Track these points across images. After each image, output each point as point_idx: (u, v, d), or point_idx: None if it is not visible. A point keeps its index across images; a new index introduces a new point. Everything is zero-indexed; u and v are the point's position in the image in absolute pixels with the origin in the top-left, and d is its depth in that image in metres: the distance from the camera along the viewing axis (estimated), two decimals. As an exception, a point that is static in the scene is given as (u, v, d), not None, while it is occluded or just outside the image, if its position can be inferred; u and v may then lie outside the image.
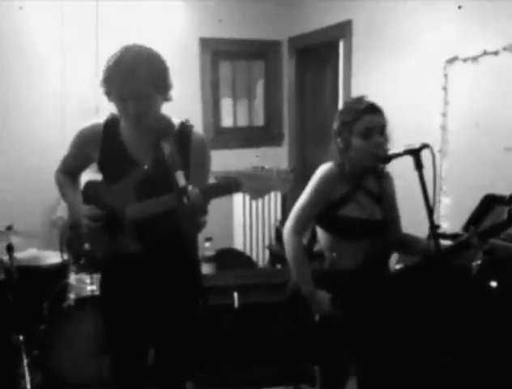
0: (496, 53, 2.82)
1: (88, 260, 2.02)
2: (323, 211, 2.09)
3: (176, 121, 2.00)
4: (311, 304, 2.05)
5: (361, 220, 2.08)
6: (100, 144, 1.96)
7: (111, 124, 1.98)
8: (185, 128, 1.97)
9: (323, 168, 2.11)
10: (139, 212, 1.84)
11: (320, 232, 2.17)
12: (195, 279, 2.10)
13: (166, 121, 1.96)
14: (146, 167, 1.91)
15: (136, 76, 1.76)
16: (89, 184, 2.03)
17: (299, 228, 2.10)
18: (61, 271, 3.26)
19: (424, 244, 2.18)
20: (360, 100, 2.08)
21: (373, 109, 2.04)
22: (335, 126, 2.10)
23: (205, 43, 4.71)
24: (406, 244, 2.25)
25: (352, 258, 2.08)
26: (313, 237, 2.21)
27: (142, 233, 1.87)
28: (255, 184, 1.78)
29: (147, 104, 1.83)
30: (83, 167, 2.11)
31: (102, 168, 2.00)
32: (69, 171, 2.11)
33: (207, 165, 2.00)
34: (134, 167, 1.92)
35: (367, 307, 2.05)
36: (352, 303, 2.04)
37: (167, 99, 1.94)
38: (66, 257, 2.12)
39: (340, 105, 4.27)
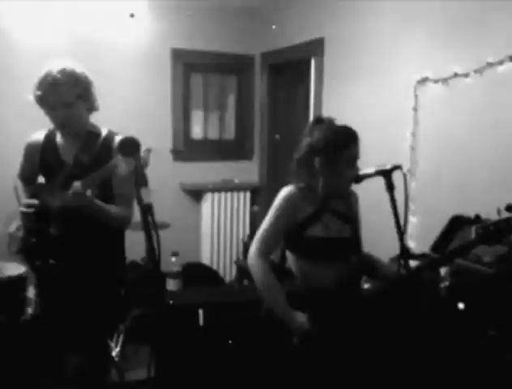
0: (466, 75, 2.85)
1: (26, 245, 2.31)
2: (289, 234, 2.06)
3: (104, 129, 2.34)
4: (289, 326, 1.99)
5: (328, 239, 2.05)
6: (40, 152, 2.34)
7: (51, 133, 2.36)
8: (110, 135, 2.30)
9: (285, 190, 2.08)
10: (57, 201, 2.17)
11: (289, 256, 2.13)
12: (113, 262, 2.39)
13: (95, 129, 2.32)
14: (68, 167, 2.26)
15: (58, 88, 2.13)
16: (36, 185, 2.40)
17: (264, 251, 2.05)
18: (19, 283, 3.13)
19: (382, 267, 2.20)
20: (348, 128, 2.04)
21: (357, 138, 2.03)
22: (315, 143, 2.04)
23: (177, 54, 4.67)
24: (368, 266, 2.23)
25: (322, 279, 2.05)
26: (283, 256, 2.17)
27: (61, 219, 2.20)
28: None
29: (70, 112, 2.18)
30: (34, 174, 2.42)
31: (41, 170, 2.36)
32: (24, 178, 2.45)
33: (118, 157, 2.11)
34: (62, 167, 2.28)
35: (342, 327, 2.01)
36: (327, 323, 2.00)
37: (92, 108, 2.29)
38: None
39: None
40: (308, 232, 2.04)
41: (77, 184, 2.05)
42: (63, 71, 2.14)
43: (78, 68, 2.22)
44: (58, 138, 2.35)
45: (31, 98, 2.18)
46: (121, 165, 1.89)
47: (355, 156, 2.03)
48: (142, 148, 1.73)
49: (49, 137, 2.36)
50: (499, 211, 2.36)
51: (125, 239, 2.46)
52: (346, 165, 2.01)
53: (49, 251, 2.29)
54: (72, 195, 2.05)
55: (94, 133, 2.31)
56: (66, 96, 2.15)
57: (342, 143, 2.00)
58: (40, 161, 2.35)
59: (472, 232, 1.94)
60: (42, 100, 2.17)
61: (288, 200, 2.04)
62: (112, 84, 4.26)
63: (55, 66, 2.16)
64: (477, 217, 2.53)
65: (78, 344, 2.34)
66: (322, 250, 2.05)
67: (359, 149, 2.04)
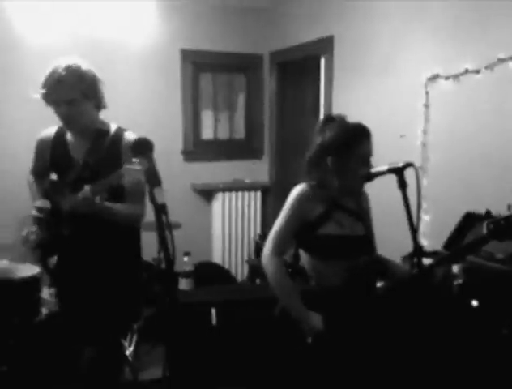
0: (477, 71, 2.83)
1: (44, 244, 2.33)
2: (302, 233, 2.05)
3: (113, 125, 2.33)
4: (303, 326, 1.98)
5: (342, 237, 2.05)
6: (50, 148, 2.36)
7: (61, 130, 2.35)
8: (119, 131, 2.30)
9: (297, 189, 2.07)
10: (68, 203, 2.18)
11: (302, 255, 2.13)
12: (129, 261, 2.40)
13: (103, 126, 2.31)
14: (78, 167, 2.27)
15: (63, 84, 2.13)
16: (49, 182, 2.41)
17: (278, 251, 2.04)
18: (33, 284, 3.16)
19: (394, 267, 2.19)
20: (360, 124, 2.04)
21: (369, 134, 2.03)
22: (327, 142, 2.03)
23: (186, 55, 4.68)
24: (383, 266, 2.22)
25: (335, 276, 2.04)
26: (297, 254, 2.17)
27: (72, 221, 2.22)
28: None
29: (75, 110, 2.18)
30: (45, 169, 2.44)
31: (52, 168, 2.39)
32: (36, 173, 2.49)
33: (126, 165, 2.09)
34: (73, 166, 2.28)
35: (356, 326, 2.01)
36: (342, 322, 1.99)
37: (99, 106, 2.29)
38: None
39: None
40: (321, 230, 2.03)
41: (86, 189, 2.06)
42: (68, 68, 2.15)
43: (85, 65, 2.22)
44: (68, 134, 2.35)
45: (37, 96, 2.19)
46: (128, 175, 1.88)
47: (368, 153, 2.02)
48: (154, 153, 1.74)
49: (60, 133, 2.36)
50: (510, 207, 2.35)
51: (140, 238, 2.47)
52: (359, 162, 2.00)
53: (61, 250, 2.34)
54: (81, 200, 2.07)
55: (103, 130, 2.30)
56: (70, 93, 2.15)
57: (354, 140, 2.00)
58: (51, 158, 2.37)
59: (483, 228, 1.92)
60: (47, 97, 2.18)
61: (301, 199, 2.04)
62: (121, 86, 4.28)
63: (61, 63, 2.17)
64: (488, 213, 2.51)
65: (93, 342, 2.36)
66: (336, 248, 2.05)
67: (372, 145, 2.03)
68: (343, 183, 2.04)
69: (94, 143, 2.28)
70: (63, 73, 2.13)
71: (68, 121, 2.23)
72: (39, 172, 2.48)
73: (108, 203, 2.17)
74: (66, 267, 2.38)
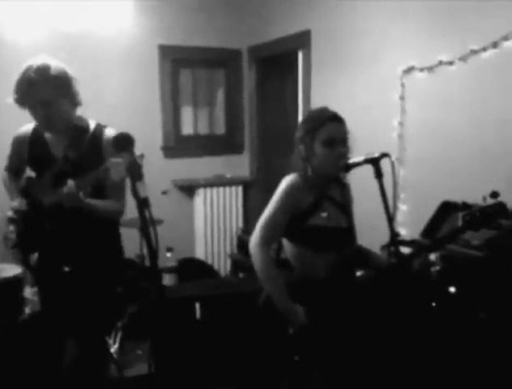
0: (451, 63, 2.89)
1: (22, 242, 2.33)
2: (291, 223, 2.08)
3: (92, 122, 2.33)
4: (286, 317, 2.01)
5: (330, 229, 2.08)
6: (28, 145, 2.35)
7: (39, 127, 2.33)
8: (98, 128, 2.31)
9: (287, 180, 2.09)
10: (50, 199, 2.18)
11: (286, 244, 2.15)
12: (110, 256, 2.41)
13: (81, 122, 2.31)
14: (58, 163, 2.26)
15: (35, 87, 2.11)
16: (27, 179, 2.39)
17: (266, 241, 2.06)
18: (15, 284, 3.15)
19: (374, 257, 2.25)
20: (323, 109, 2.09)
21: (337, 119, 2.06)
22: (298, 134, 2.10)
23: (164, 50, 4.67)
24: (363, 256, 2.26)
25: (320, 268, 2.08)
26: (280, 246, 2.20)
27: (55, 216, 2.22)
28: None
29: (50, 110, 2.17)
30: (22, 166, 2.44)
31: (31, 165, 2.38)
32: (12, 170, 2.48)
33: (111, 159, 2.08)
34: (52, 163, 2.27)
35: (338, 317, 2.05)
36: (324, 313, 2.03)
37: (75, 103, 2.27)
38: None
39: (301, 114, 4.31)
40: (310, 220, 2.07)
41: (70, 184, 2.06)
42: (38, 70, 2.12)
43: (55, 64, 2.19)
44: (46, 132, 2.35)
45: (11, 101, 2.17)
46: (114, 168, 1.88)
47: (333, 136, 2.03)
48: (136, 153, 1.75)
49: (37, 130, 2.35)
50: (485, 198, 2.41)
51: (120, 235, 2.48)
52: (325, 146, 2.02)
53: (43, 246, 2.34)
54: (65, 195, 2.07)
55: (82, 127, 2.30)
56: (44, 95, 2.13)
57: (314, 124, 2.04)
58: (29, 155, 2.36)
59: (460, 219, 1.98)
60: (21, 101, 2.17)
61: (292, 189, 2.06)
62: (100, 82, 4.27)
63: (30, 65, 2.14)
64: (464, 204, 2.57)
65: (75, 340, 2.37)
66: (322, 240, 2.07)
67: (341, 130, 2.06)
68: (316, 170, 2.06)
69: (73, 138, 2.28)
70: (33, 75, 2.11)
71: (46, 122, 2.22)
72: (15, 169, 2.47)
73: (92, 200, 2.18)
74: (48, 263, 2.38)
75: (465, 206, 2.09)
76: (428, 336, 2.39)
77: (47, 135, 2.34)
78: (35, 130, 2.35)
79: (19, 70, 2.15)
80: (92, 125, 2.33)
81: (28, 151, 2.35)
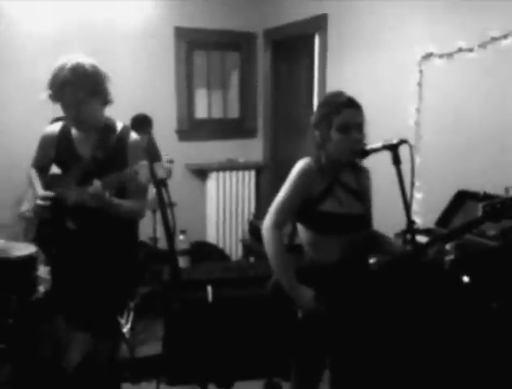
0: (471, 50, 2.85)
1: (41, 235, 2.36)
2: (303, 207, 2.08)
3: (119, 123, 2.35)
4: (294, 300, 2.03)
5: (341, 215, 2.07)
6: (55, 143, 2.36)
7: (67, 126, 2.35)
8: (125, 129, 2.31)
9: (301, 163, 2.09)
10: (74, 197, 2.20)
11: (300, 228, 2.16)
12: (126, 255, 2.42)
13: (109, 122, 2.33)
14: (85, 162, 2.28)
15: (69, 86, 2.13)
16: (50, 176, 2.39)
17: (278, 224, 2.06)
18: (30, 263, 3.18)
19: (390, 243, 2.23)
20: (339, 94, 2.07)
21: (353, 104, 2.04)
22: (314, 119, 2.09)
23: (180, 33, 4.65)
24: (376, 242, 2.25)
25: (332, 253, 2.08)
26: (294, 230, 2.20)
27: (78, 214, 2.23)
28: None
29: (82, 108, 2.18)
30: (48, 164, 2.41)
31: (57, 163, 2.37)
32: (38, 167, 2.46)
33: (139, 162, 2.11)
34: (78, 161, 2.30)
35: (348, 302, 2.05)
36: (334, 298, 2.03)
37: (106, 102, 2.29)
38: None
39: (316, 99, 4.28)
40: (321, 206, 2.06)
41: (97, 184, 2.06)
42: (73, 69, 2.14)
43: (89, 64, 2.20)
44: (74, 131, 2.36)
45: (44, 97, 2.18)
46: (143, 171, 1.91)
47: (349, 121, 2.01)
48: (165, 158, 1.75)
49: (65, 129, 2.37)
50: (507, 190, 2.37)
51: (138, 229, 2.49)
52: (341, 131, 2.00)
53: (65, 243, 2.34)
54: (91, 195, 2.08)
55: (109, 127, 2.32)
56: (76, 95, 2.15)
57: (330, 110, 2.02)
58: (56, 154, 2.37)
59: (479, 210, 1.96)
60: (53, 98, 2.18)
61: (304, 173, 2.06)
62: (115, 65, 4.21)
63: (65, 63, 2.15)
64: (485, 194, 2.53)
65: (88, 321, 2.38)
66: (334, 226, 2.07)
67: (357, 116, 2.04)
68: (330, 155, 2.05)
69: (100, 138, 2.29)
70: (68, 75, 2.12)
71: (75, 120, 2.24)
72: (41, 166, 2.47)
73: (115, 198, 2.18)
74: (64, 256, 2.39)
75: (486, 196, 2.05)
76: (439, 325, 2.39)
77: (74, 134, 2.35)
78: (63, 129, 2.37)
79: (54, 66, 2.16)
80: (119, 126, 2.34)
81: (56, 149, 2.36)
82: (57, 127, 2.39)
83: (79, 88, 2.14)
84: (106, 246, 2.33)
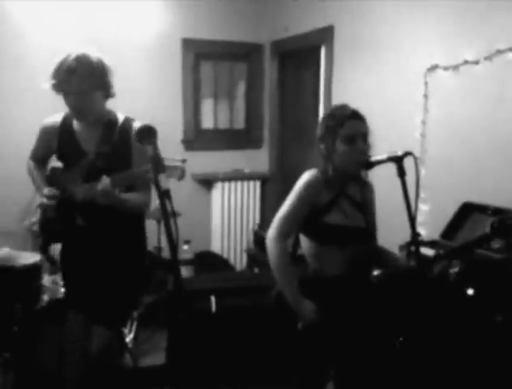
0: (476, 62, 2.85)
1: (48, 231, 2.36)
2: (308, 219, 2.08)
3: (120, 116, 2.32)
4: (296, 312, 2.02)
5: (346, 228, 2.07)
6: (57, 136, 2.34)
7: (68, 118, 2.33)
8: (127, 122, 2.29)
9: (307, 175, 2.09)
10: (83, 194, 2.19)
11: (303, 239, 2.16)
12: (136, 248, 2.44)
13: (111, 116, 2.31)
14: (90, 157, 2.26)
15: (74, 75, 2.11)
16: (52, 169, 2.42)
17: (283, 236, 2.06)
18: (34, 271, 3.18)
19: (394, 259, 2.23)
20: (344, 106, 2.08)
21: (357, 116, 2.05)
22: (319, 132, 2.10)
23: (187, 44, 4.68)
24: (383, 257, 2.25)
25: (334, 265, 2.08)
26: (297, 242, 2.20)
27: (87, 211, 2.23)
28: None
29: (86, 100, 2.17)
30: (48, 156, 2.45)
31: (59, 157, 2.38)
32: (37, 159, 2.47)
33: (144, 157, 2.07)
34: (82, 156, 2.27)
35: (349, 315, 2.04)
36: (335, 311, 2.03)
37: (109, 95, 2.27)
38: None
39: (322, 110, 4.29)
40: (326, 218, 2.06)
41: (106, 180, 2.05)
42: (79, 59, 2.13)
43: (95, 55, 2.20)
44: (75, 123, 2.33)
45: (47, 86, 2.16)
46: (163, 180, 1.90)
47: (354, 133, 2.02)
48: (178, 158, 1.76)
49: (67, 121, 2.34)
50: None
51: (145, 227, 2.50)
52: (346, 143, 2.01)
53: (74, 240, 2.36)
54: (101, 192, 2.06)
55: (112, 120, 2.30)
56: (81, 85, 2.13)
57: (335, 122, 2.03)
58: (59, 147, 2.35)
59: (487, 224, 1.94)
60: (57, 88, 2.16)
61: (311, 184, 2.06)
62: (122, 75, 4.24)
63: (71, 53, 2.14)
64: (494, 209, 2.50)
65: (105, 321, 2.39)
66: (338, 237, 2.07)
67: (362, 127, 2.05)
68: (337, 167, 2.06)
69: (104, 133, 2.28)
70: (74, 64, 2.11)
71: (79, 111, 2.22)
72: (40, 158, 2.47)
73: (124, 195, 2.18)
74: (74, 252, 2.40)
75: (495, 211, 2.03)
76: (443, 338, 2.37)
77: (76, 127, 2.33)
78: (64, 121, 2.34)
79: (59, 57, 2.15)
80: (121, 118, 2.32)
81: (58, 142, 2.34)
82: (58, 119, 2.35)
83: (85, 78, 2.12)
84: (116, 241, 2.33)
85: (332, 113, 2.10)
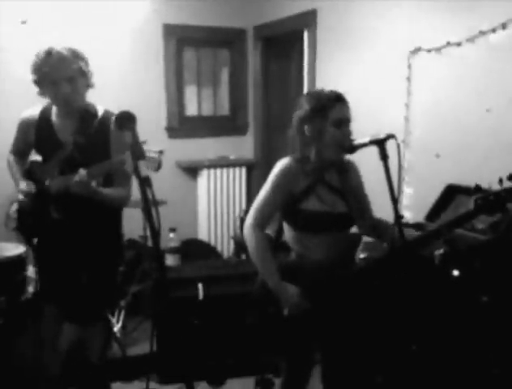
0: (459, 44, 2.85)
1: (24, 225, 2.37)
2: (285, 206, 2.07)
3: (100, 108, 2.33)
4: (279, 298, 2.02)
5: (322, 213, 2.07)
6: (35, 128, 2.34)
7: (46, 111, 2.34)
8: (107, 114, 2.27)
9: (282, 163, 2.09)
10: (58, 186, 2.19)
11: (285, 226, 2.16)
12: (112, 240, 2.45)
13: (90, 107, 2.31)
14: (67, 149, 2.25)
15: (65, 62, 2.15)
16: (31, 162, 2.40)
17: (260, 223, 2.07)
18: (18, 263, 3.16)
19: (392, 231, 2.19)
20: (327, 90, 2.06)
21: (344, 99, 2.04)
22: (303, 113, 2.06)
23: (169, 30, 4.62)
24: (379, 230, 2.25)
25: (317, 251, 2.08)
26: (281, 228, 2.19)
27: (62, 203, 2.23)
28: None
29: (75, 87, 2.20)
30: (28, 149, 2.44)
31: (37, 149, 2.37)
32: (17, 153, 2.48)
33: (122, 149, 2.06)
34: (60, 148, 2.27)
35: (334, 299, 2.05)
36: (319, 295, 2.03)
37: (89, 85, 2.29)
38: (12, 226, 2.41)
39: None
40: (303, 205, 2.05)
41: (82, 172, 2.05)
42: (65, 47, 2.18)
43: (73, 48, 2.23)
44: (54, 115, 2.33)
45: (30, 77, 2.19)
46: (129, 161, 1.85)
47: (342, 117, 2.02)
48: (155, 149, 1.74)
49: (45, 114, 2.34)
50: (501, 181, 2.36)
51: (122, 220, 2.50)
52: (334, 126, 2.01)
53: (49, 233, 2.33)
54: (76, 183, 2.06)
55: (90, 112, 2.30)
56: (70, 70, 2.16)
57: (326, 104, 2.01)
58: (36, 139, 2.35)
59: (471, 203, 1.94)
60: (49, 76, 2.16)
61: (285, 172, 2.06)
62: (103, 62, 4.21)
63: (51, 48, 2.17)
64: (476, 187, 2.51)
65: (74, 322, 2.40)
66: (316, 224, 2.07)
67: (347, 111, 2.04)
68: (321, 151, 2.04)
69: (81, 124, 2.27)
70: (63, 51, 2.16)
71: (67, 99, 2.22)
72: (21, 151, 2.46)
73: (103, 189, 2.18)
74: (49, 246, 2.39)
75: (477, 189, 2.02)
76: (429, 319, 2.39)
77: (54, 119, 2.33)
78: (42, 114, 2.35)
79: (42, 50, 2.18)
80: (100, 110, 2.32)
81: (35, 134, 2.34)
82: (36, 111, 2.36)
83: (73, 64, 2.17)
84: (91, 235, 2.33)
85: (319, 95, 2.06)
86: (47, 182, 2.25)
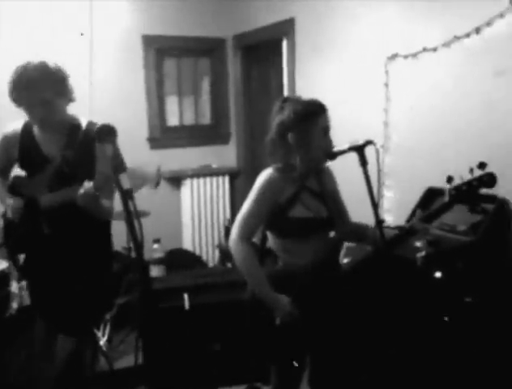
0: (435, 49, 2.90)
1: (12, 241, 2.33)
2: (271, 216, 2.08)
3: (84, 120, 2.29)
4: (272, 308, 2.02)
5: (309, 219, 2.08)
6: (18, 145, 2.29)
7: (28, 126, 2.30)
8: (91, 126, 2.23)
9: (265, 174, 2.08)
10: (49, 201, 2.17)
11: (269, 235, 2.16)
12: (102, 255, 2.43)
13: (74, 121, 2.28)
14: (55, 164, 2.22)
15: (36, 86, 2.08)
16: (15, 178, 2.35)
17: (246, 236, 2.05)
18: (2, 279, 3.12)
19: (372, 232, 2.21)
20: (313, 99, 2.07)
21: (326, 109, 2.06)
22: (287, 119, 2.04)
23: (148, 40, 4.63)
24: (358, 233, 2.26)
25: (303, 256, 2.08)
26: (265, 236, 2.20)
27: (52, 218, 2.20)
28: (132, 179, 1.85)
29: (49, 109, 2.14)
30: (10, 165, 2.39)
31: (22, 165, 2.32)
32: (1, 169, 2.41)
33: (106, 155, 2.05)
34: (45, 163, 2.24)
35: (322, 304, 2.06)
36: (308, 301, 2.03)
37: (70, 100, 2.24)
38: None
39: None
40: (290, 213, 2.06)
41: (88, 185, 2.01)
42: (38, 68, 2.09)
43: (53, 62, 2.16)
44: (36, 130, 2.30)
45: (6, 100, 2.14)
46: (135, 176, 1.85)
47: (326, 125, 2.04)
48: (154, 167, 1.74)
49: (27, 129, 2.31)
50: (472, 170, 2.40)
51: (111, 229, 2.49)
52: (319, 134, 2.02)
53: (40, 247, 2.30)
54: (84, 195, 2.01)
55: (75, 126, 2.27)
56: (44, 94, 2.10)
57: (312, 112, 2.02)
58: (20, 155, 2.31)
59: (446, 195, 1.97)
60: (20, 101, 2.13)
61: (270, 184, 2.05)
62: (83, 73, 4.22)
63: (28, 63, 2.10)
64: (449, 178, 2.53)
65: (66, 333, 2.36)
66: (304, 230, 2.08)
67: (329, 121, 2.06)
68: (306, 159, 2.05)
69: (68, 138, 2.25)
70: (33, 75, 2.08)
71: (44, 121, 2.20)
72: (3, 168, 2.42)
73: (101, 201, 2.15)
74: (40, 261, 2.35)
75: (450, 180, 2.04)
76: (413, 321, 2.41)
77: (37, 134, 2.29)
78: (25, 129, 2.30)
79: (15, 69, 2.10)
80: (84, 122, 2.29)
81: (19, 150, 2.30)
82: (18, 126, 2.32)
83: (45, 87, 2.09)
84: (82, 248, 2.31)
85: (305, 103, 2.06)
86: (36, 197, 2.21)
